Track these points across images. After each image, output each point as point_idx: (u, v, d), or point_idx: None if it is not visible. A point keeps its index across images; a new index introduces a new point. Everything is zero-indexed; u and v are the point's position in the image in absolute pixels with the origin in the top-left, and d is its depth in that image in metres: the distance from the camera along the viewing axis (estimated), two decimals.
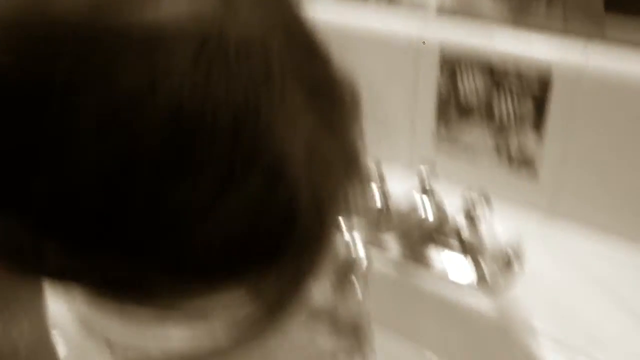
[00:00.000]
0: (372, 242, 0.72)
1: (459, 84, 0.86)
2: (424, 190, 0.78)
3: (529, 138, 0.82)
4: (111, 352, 0.35)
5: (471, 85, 0.84)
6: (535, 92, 0.79)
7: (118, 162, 0.27)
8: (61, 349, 0.54)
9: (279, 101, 0.29)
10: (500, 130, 0.84)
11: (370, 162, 0.81)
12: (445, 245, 0.80)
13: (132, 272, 0.30)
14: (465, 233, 0.77)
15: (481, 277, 0.76)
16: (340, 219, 0.34)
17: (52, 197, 0.27)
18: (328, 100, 0.32)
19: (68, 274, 0.31)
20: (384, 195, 0.83)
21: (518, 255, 0.68)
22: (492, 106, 0.84)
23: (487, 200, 0.74)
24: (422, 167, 0.77)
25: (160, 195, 0.28)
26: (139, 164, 0.27)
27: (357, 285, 0.68)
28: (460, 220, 0.77)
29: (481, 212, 0.74)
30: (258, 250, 0.31)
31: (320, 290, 0.70)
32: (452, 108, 0.88)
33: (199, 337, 0.35)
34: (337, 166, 0.33)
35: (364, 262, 0.69)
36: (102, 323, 0.34)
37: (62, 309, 0.47)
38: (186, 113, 0.27)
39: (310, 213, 0.31)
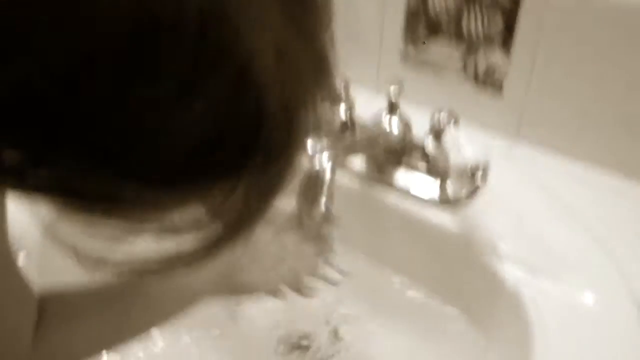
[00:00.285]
0: (338, 161, 0.71)
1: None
2: (391, 110, 0.78)
3: (497, 57, 0.82)
4: (77, 261, 0.35)
5: (441, 0, 0.83)
6: (505, 6, 0.78)
7: (76, 55, 0.26)
8: (21, 258, 0.54)
9: (248, 1, 0.28)
10: (468, 48, 0.84)
11: (338, 81, 0.80)
12: (411, 164, 0.80)
13: (96, 181, 0.29)
14: (431, 152, 0.77)
15: (445, 196, 0.77)
16: (308, 131, 0.34)
17: (10, 90, 0.26)
18: (300, 3, 0.31)
19: (30, 185, 0.30)
20: (351, 113, 0.83)
21: (483, 174, 0.68)
22: (461, 22, 0.82)
23: (455, 119, 0.74)
24: (390, 87, 0.77)
25: (120, 94, 0.27)
26: (98, 59, 0.26)
27: (321, 199, 0.68)
28: (427, 139, 0.77)
29: (448, 132, 0.74)
30: (225, 156, 0.30)
31: (286, 202, 0.70)
32: (420, 24, 0.86)
33: (167, 248, 0.34)
34: (307, 71, 0.32)
35: (329, 176, 0.69)
36: (69, 234, 0.34)
37: (25, 218, 0.46)
38: (150, 8, 0.25)
39: (277, 117, 0.30)
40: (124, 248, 0.33)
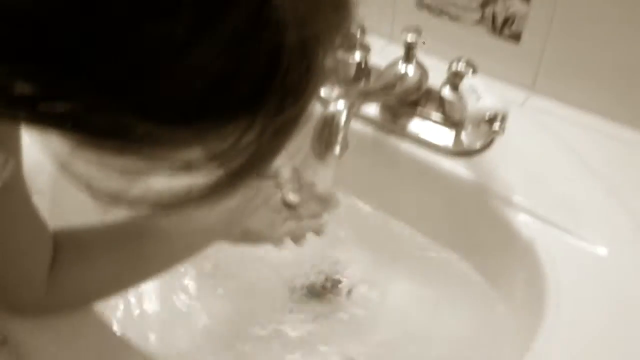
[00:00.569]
0: (353, 109, 0.70)
1: None
2: (408, 57, 0.76)
3: (517, 6, 0.80)
4: (91, 196, 0.35)
5: None
6: None
7: None
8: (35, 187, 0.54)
9: None
10: None
11: (354, 26, 0.78)
12: (427, 113, 0.79)
13: (109, 117, 0.29)
14: (448, 101, 0.76)
15: (460, 146, 0.76)
16: (325, 72, 0.33)
17: (25, 19, 0.26)
18: None
19: (44, 119, 0.30)
20: (366, 60, 0.82)
21: (501, 124, 0.67)
22: None
23: (473, 68, 0.73)
24: (408, 33, 0.75)
25: (137, 27, 0.26)
26: None
27: (336, 145, 0.67)
28: (444, 88, 0.76)
29: (465, 80, 0.72)
30: (241, 93, 0.29)
31: (297, 148, 0.70)
32: None
33: (180, 185, 0.34)
34: (326, 9, 0.31)
35: (344, 123, 0.68)
36: (83, 170, 0.33)
37: (37, 159, 0.46)
38: None
39: (295, 55, 0.29)
40: (138, 184, 0.33)
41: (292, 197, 0.72)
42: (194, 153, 0.32)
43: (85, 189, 0.34)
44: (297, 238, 0.72)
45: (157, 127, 0.29)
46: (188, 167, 0.33)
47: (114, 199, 0.34)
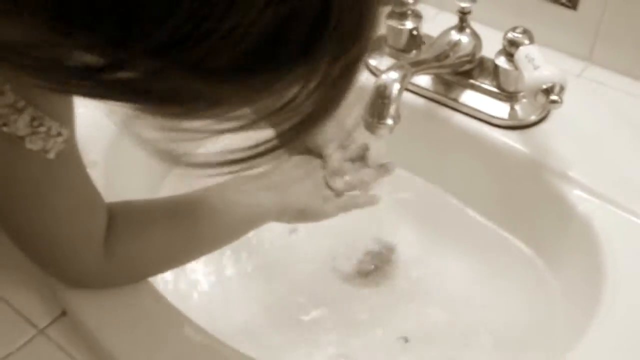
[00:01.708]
0: (405, 79, 0.68)
1: None
2: (462, 26, 0.74)
3: None
4: (154, 155, 0.35)
5: None
6: None
7: None
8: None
9: None
10: None
11: None
12: (480, 84, 0.77)
13: (171, 80, 0.28)
14: (503, 71, 0.73)
15: (515, 118, 0.74)
16: (378, 21, 0.32)
17: None
18: None
19: (107, 89, 0.29)
20: (418, 29, 0.80)
21: (559, 94, 0.65)
22: None
23: (530, 38, 0.70)
24: (461, 3, 0.73)
25: None
26: None
27: (388, 116, 0.66)
28: (499, 58, 0.73)
29: (522, 50, 0.70)
30: (296, 38, 0.29)
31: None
32: None
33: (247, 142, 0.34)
34: None
35: (397, 94, 0.66)
36: (139, 129, 0.33)
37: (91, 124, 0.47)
38: None
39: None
40: (194, 144, 0.33)
41: (338, 184, 0.71)
42: (259, 108, 0.32)
43: (147, 150, 0.34)
44: (350, 211, 0.71)
45: (219, 87, 0.29)
46: (254, 123, 0.33)
47: (175, 159, 0.35)
